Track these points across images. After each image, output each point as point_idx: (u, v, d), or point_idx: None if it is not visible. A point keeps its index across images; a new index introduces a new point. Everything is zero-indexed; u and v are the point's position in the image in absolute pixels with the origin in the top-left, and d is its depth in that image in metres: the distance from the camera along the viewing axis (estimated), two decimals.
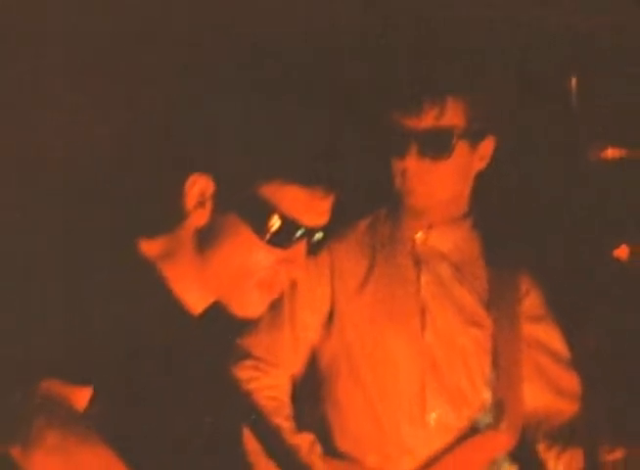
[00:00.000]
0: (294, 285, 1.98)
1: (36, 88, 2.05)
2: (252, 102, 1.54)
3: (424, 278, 2.04)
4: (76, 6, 2.04)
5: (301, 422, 2.04)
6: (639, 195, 2.11)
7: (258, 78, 1.94)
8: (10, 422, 1.33)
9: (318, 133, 1.55)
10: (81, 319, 1.39)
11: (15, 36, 2.01)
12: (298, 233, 1.50)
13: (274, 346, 2.04)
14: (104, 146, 2.06)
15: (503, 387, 2.01)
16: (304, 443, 1.97)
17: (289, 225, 1.49)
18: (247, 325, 2.02)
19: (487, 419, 2.02)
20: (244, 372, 2.00)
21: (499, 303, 2.02)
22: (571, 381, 2.00)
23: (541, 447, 2.04)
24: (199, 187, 1.49)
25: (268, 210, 1.48)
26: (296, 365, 2.06)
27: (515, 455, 2.06)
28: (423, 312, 2.02)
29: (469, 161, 1.99)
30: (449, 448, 1.99)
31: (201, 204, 1.49)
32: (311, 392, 2.08)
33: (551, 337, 2.05)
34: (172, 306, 1.51)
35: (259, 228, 1.48)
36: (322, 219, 1.53)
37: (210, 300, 1.55)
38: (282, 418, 1.99)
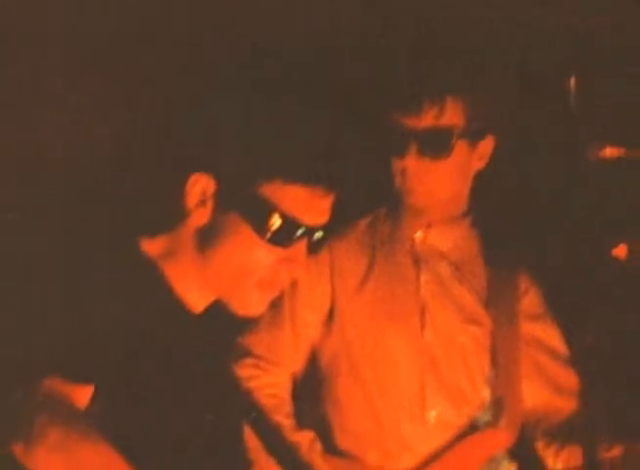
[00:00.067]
0: (294, 284, 1.98)
1: (37, 88, 2.05)
2: (252, 102, 1.54)
3: (423, 277, 2.04)
4: (76, 6, 2.04)
5: (302, 420, 2.04)
6: (638, 194, 2.12)
7: (258, 78, 1.94)
8: (12, 420, 1.33)
9: (318, 133, 1.55)
10: (82, 318, 1.40)
11: (15, 36, 2.01)
12: (299, 232, 1.50)
13: (274, 344, 2.04)
14: (105, 146, 2.07)
15: (502, 385, 2.01)
16: (305, 440, 1.97)
17: (289, 224, 1.49)
18: (247, 324, 2.03)
19: (487, 417, 2.03)
20: (244, 370, 2.01)
21: (498, 301, 2.03)
22: (569, 379, 2.00)
23: (540, 445, 2.05)
24: (200, 186, 1.50)
25: (269, 209, 1.48)
26: (296, 363, 2.07)
27: (514, 453, 2.06)
28: (422, 311, 2.03)
29: (468, 160, 2.00)
30: (449, 446, 2.00)
31: (202, 203, 1.50)
32: (311, 390, 2.08)
33: (550, 335, 2.05)
34: (173, 305, 1.52)
35: (260, 227, 1.49)
36: (322, 218, 1.53)
37: (211, 298, 1.56)
38: (282, 416, 1.99)
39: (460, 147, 1.97)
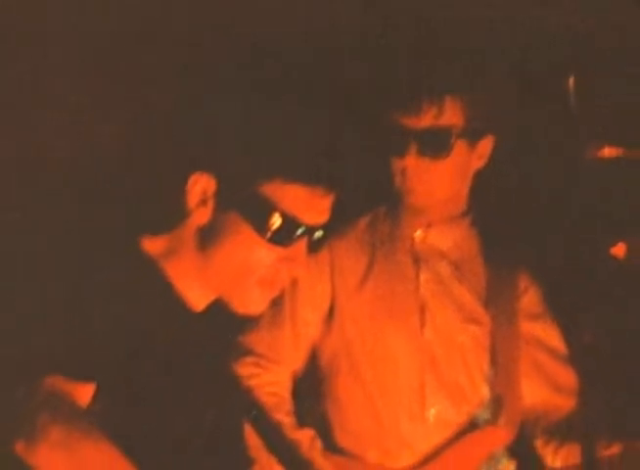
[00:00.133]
0: (294, 282, 1.98)
1: (37, 88, 2.05)
2: (252, 102, 1.55)
3: (423, 276, 2.05)
4: (76, 6, 2.04)
5: (302, 418, 2.05)
6: (636, 193, 2.12)
7: (258, 78, 1.95)
8: (14, 418, 1.34)
9: (318, 133, 1.56)
10: (84, 316, 1.40)
11: (15, 36, 2.01)
12: (299, 231, 1.51)
13: (275, 343, 2.05)
14: (106, 146, 2.07)
15: (501, 383, 2.02)
16: (305, 438, 1.98)
17: (289, 223, 1.50)
18: (248, 322, 2.03)
19: (486, 415, 2.03)
20: (245, 369, 2.01)
21: (498, 300, 2.03)
22: (568, 377, 2.01)
23: (539, 443, 2.05)
24: (200, 186, 1.50)
25: (269, 208, 1.49)
26: (296, 362, 2.07)
27: (513, 450, 2.07)
28: (422, 310, 2.03)
29: (467, 160, 2.00)
30: (448, 444, 2.00)
31: (202, 202, 1.51)
32: (312, 388, 2.09)
33: (549, 334, 2.06)
34: (174, 304, 1.53)
35: (260, 226, 1.50)
36: (322, 218, 1.54)
37: (212, 297, 1.56)
38: (283, 414, 2.00)
39: (459, 146, 1.97)
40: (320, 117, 1.57)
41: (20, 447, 1.33)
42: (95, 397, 1.40)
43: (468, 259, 2.07)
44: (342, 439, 2.04)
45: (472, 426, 2.02)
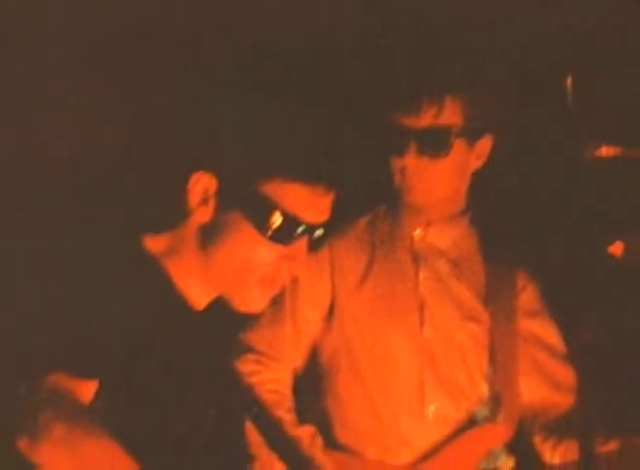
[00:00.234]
0: (295, 281, 1.99)
1: (37, 88, 2.05)
2: (253, 102, 1.55)
3: (422, 274, 2.06)
4: (76, 6, 2.04)
5: (302, 415, 2.05)
6: (634, 192, 2.13)
7: (258, 78, 1.95)
8: (17, 415, 1.35)
9: (318, 132, 1.56)
10: (86, 314, 1.41)
11: (15, 36, 2.01)
12: (299, 230, 1.52)
13: (276, 340, 2.05)
14: (107, 146, 2.07)
15: (500, 380, 2.02)
16: (305, 435, 1.99)
17: (290, 222, 1.51)
18: (249, 320, 2.04)
19: (485, 412, 2.04)
20: (246, 366, 2.02)
21: (496, 298, 2.04)
22: (566, 375, 2.01)
23: (537, 439, 2.06)
24: (202, 185, 1.51)
25: (270, 207, 1.50)
26: (297, 359, 2.08)
27: (512, 447, 2.07)
28: (421, 308, 2.04)
29: (466, 159, 2.00)
30: (447, 440, 2.01)
31: (204, 201, 1.51)
32: (312, 385, 2.09)
33: (547, 331, 2.06)
34: (176, 302, 1.53)
35: (261, 225, 1.50)
36: (323, 216, 1.54)
37: (213, 295, 1.57)
38: (283, 411, 2.00)
39: (458, 146, 1.98)
40: (320, 117, 1.58)
41: (22, 444, 1.34)
42: (97, 394, 1.40)
43: (467, 258, 2.08)
44: (342, 435, 2.05)
45: (471, 423, 2.03)
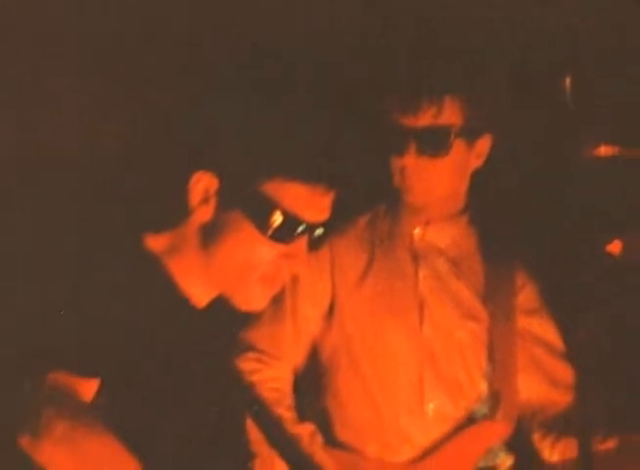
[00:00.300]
0: (295, 279, 2.00)
1: (37, 88, 2.05)
2: (253, 102, 1.56)
3: (422, 273, 2.06)
4: (76, 6, 2.04)
5: (303, 413, 2.06)
6: (632, 191, 2.13)
7: (258, 78, 1.96)
8: (19, 413, 1.35)
9: (319, 132, 1.57)
10: (88, 312, 1.42)
11: (15, 36, 2.01)
12: (300, 229, 1.52)
13: (276, 338, 2.06)
14: (107, 146, 2.07)
15: (499, 378, 2.03)
16: (306, 433, 1.99)
17: (290, 221, 1.51)
18: (250, 318, 2.05)
19: (484, 409, 2.05)
20: (247, 364, 2.03)
21: (495, 296, 2.05)
22: (565, 372, 2.02)
23: (536, 437, 2.07)
24: (203, 184, 1.51)
25: (270, 206, 1.50)
26: (297, 357, 2.08)
27: (511, 445, 2.08)
28: (421, 306, 2.05)
29: (466, 158, 2.01)
30: (447, 438, 2.02)
31: (205, 200, 1.52)
32: (312, 383, 2.10)
33: (545, 329, 2.07)
34: (177, 300, 1.54)
35: (262, 224, 1.51)
36: (323, 215, 1.55)
37: (214, 294, 1.57)
38: (284, 409, 2.01)
39: (458, 145, 1.98)
40: (320, 117, 1.58)
41: (24, 442, 1.34)
42: (99, 392, 1.41)
43: (466, 257, 2.08)
44: (342, 433, 2.06)
45: (470, 421, 2.04)
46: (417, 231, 2.09)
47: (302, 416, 2.05)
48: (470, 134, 2.00)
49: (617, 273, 2.00)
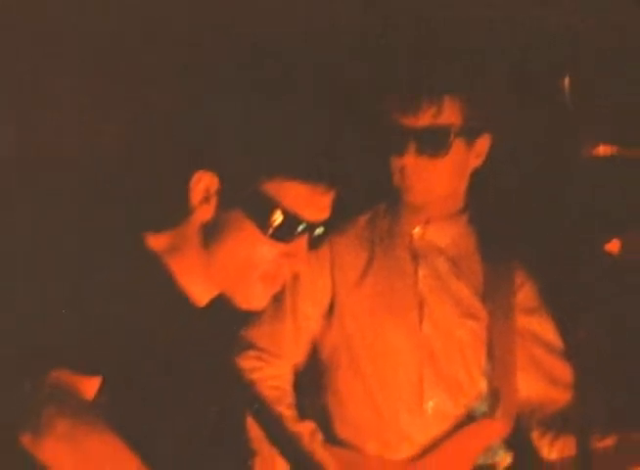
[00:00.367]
0: (295, 278, 2.00)
1: (37, 88, 2.05)
2: (253, 102, 1.56)
3: (421, 272, 2.07)
4: (76, 6, 2.04)
5: (303, 411, 2.07)
6: (630, 190, 2.14)
7: (258, 78, 1.96)
8: (21, 411, 1.36)
9: (319, 132, 1.57)
10: (90, 311, 1.42)
11: (15, 36, 2.01)
12: (300, 228, 1.53)
13: (277, 337, 2.07)
14: (108, 146, 2.07)
15: (498, 377, 2.04)
16: (306, 430, 2.00)
17: (291, 220, 1.52)
18: (250, 317, 2.05)
19: (483, 408, 2.06)
20: (247, 362, 2.03)
21: (494, 295, 2.05)
22: (563, 371, 2.02)
23: (535, 435, 2.07)
24: (204, 183, 1.52)
25: (271, 205, 1.51)
26: (297, 356, 2.09)
27: (510, 442, 2.08)
28: (421, 305, 2.05)
29: (465, 158, 2.02)
30: (446, 436, 2.03)
31: (206, 200, 1.52)
32: (312, 381, 2.10)
33: (544, 328, 2.08)
34: (178, 299, 1.54)
35: (262, 223, 1.52)
36: (323, 215, 1.56)
37: (215, 292, 1.58)
38: (284, 407, 2.02)
39: (457, 145, 1.99)
40: (320, 117, 1.59)
41: (26, 440, 1.35)
42: (100, 390, 1.41)
43: (465, 256, 2.09)
44: (342, 431, 2.06)
45: (469, 419, 2.05)
46: (417, 230, 2.09)
47: (303, 414, 2.06)
48: (469, 134, 2.00)
49: (615, 272, 2.01)
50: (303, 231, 1.54)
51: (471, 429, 2.03)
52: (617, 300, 2.13)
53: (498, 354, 2.04)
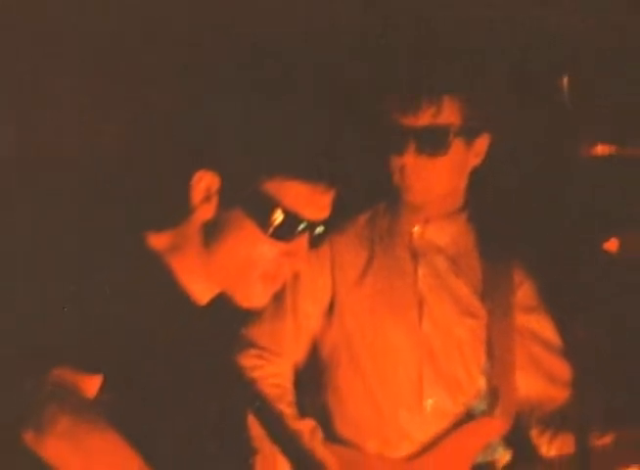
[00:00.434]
0: (296, 277, 2.01)
1: (37, 88, 2.05)
2: (253, 102, 1.57)
3: (421, 270, 2.08)
4: (76, 6, 2.04)
5: (303, 408, 2.07)
6: (628, 189, 2.14)
7: (258, 78, 1.97)
8: (23, 409, 1.36)
9: (319, 131, 1.58)
10: (91, 310, 1.43)
11: (15, 36, 2.01)
12: (300, 227, 1.54)
13: (277, 335, 2.07)
14: (108, 146, 2.07)
15: (497, 375, 2.04)
16: (306, 428, 2.00)
17: (291, 219, 1.53)
18: (251, 315, 2.05)
19: (482, 406, 2.06)
20: (248, 361, 2.04)
21: (493, 294, 2.06)
22: (562, 369, 2.03)
23: (534, 433, 2.08)
24: (205, 183, 1.53)
25: (271, 204, 1.52)
26: (298, 354, 2.10)
27: (509, 440, 2.09)
28: (420, 303, 2.06)
29: (464, 157, 2.02)
30: (446, 434, 2.03)
31: (207, 199, 1.53)
32: (313, 379, 2.11)
33: (543, 326, 2.08)
34: (179, 298, 1.55)
35: (263, 222, 1.52)
36: (323, 214, 1.56)
37: (216, 291, 1.59)
38: (285, 405, 2.02)
39: (457, 145, 1.99)
40: (320, 117, 1.59)
41: (28, 438, 1.35)
42: (102, 387, 1.42)
43: (464, 254, 2.09)
44: (342, 429, 2.07)
45: (468, 417, 2.05)
46: (416, 229, 2.10)
47: (303, 412, 2.06)
48: (468, 133, 2.01)
49: (614, 271, 2.01)
50: (304, 230, 1.55)
51: (470, 427, 2.04)
52: (615, 298, 2.14)
53: (497, 353, 2.05)
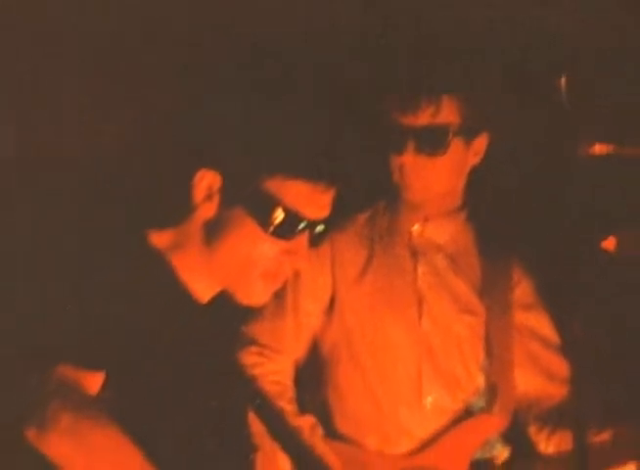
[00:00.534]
0: (296, 275, 2.01)
1: (37, 88, 2.05)
2: (253, 102, 1.58)
3: (420, 269, 2.08)
4: (76, 6, 2.04)
5: (304, 405, 2.08)
6: (626, 189, 2.15)
7: (258, 78, 1.97)
8: (26, 405, 1.37)
9: (319, 131, 1.58)
10: (94, 307, 1.44)
11: (15, 36, 2.01)
12: (301, 225, 1.55)
13: (278, 333, 2.08)
14: (108, 145, 2.07)
15: (496, 372, 2.05)
16: (306, 425, 2.01)
17: (292, 218, 1.54)
18: (252, 313, 2.06)
19: (481, 402, 2.07)
20: (249, 358, 2.05)
21: (492, 291, 2.06)
22: (560, 366, 2.04)
23: (532, 429, 2.09)
24: (206, 182, 1.54)
25: (272, 203, 1.53)
26: (298, 351, 2.10)
27: (507, 437, 2.10)
28: (420, 301, 2.07)
29: (463, 156, 2.03)
30: (445, 430, 2.04)
31: (208, 197, 1.54)
32: (313, 376, 2.12)
33: (541, 324, 2.09)
34: (180, 295, 1.56)
35: (264, 221, 1.53)
36: (323, 212, 1.57)
37: (217, 289, 1.60)
38: (285, 401, 2.03)
39: (456, 144, 2.00)
40: (320, 117, 1.60)
41: (31, 434, 1.36)
42: (105, 384, 1.43)
43: (463, 252, 2.10)
44: (342, 425, 2.07)
45: (467, 413, 2.06)
46: (416, 228, 2.10)
47: (303, 409, 2.07)
48: (468, 133, 2.01)
49: (612, 269, 2.02)
50: (304, 229, 1.56)
51: (469, 424, 2.05)
52: (613, 296, 2.14)
53: (496, 350, 2.06)
